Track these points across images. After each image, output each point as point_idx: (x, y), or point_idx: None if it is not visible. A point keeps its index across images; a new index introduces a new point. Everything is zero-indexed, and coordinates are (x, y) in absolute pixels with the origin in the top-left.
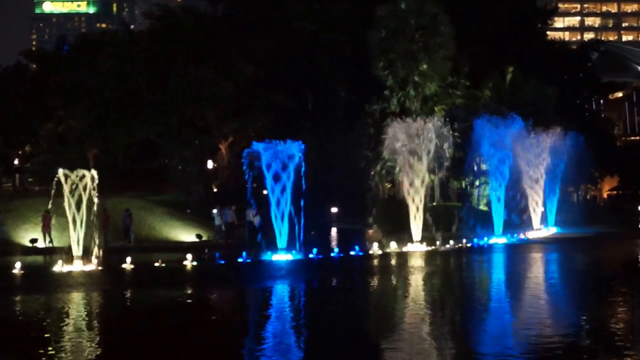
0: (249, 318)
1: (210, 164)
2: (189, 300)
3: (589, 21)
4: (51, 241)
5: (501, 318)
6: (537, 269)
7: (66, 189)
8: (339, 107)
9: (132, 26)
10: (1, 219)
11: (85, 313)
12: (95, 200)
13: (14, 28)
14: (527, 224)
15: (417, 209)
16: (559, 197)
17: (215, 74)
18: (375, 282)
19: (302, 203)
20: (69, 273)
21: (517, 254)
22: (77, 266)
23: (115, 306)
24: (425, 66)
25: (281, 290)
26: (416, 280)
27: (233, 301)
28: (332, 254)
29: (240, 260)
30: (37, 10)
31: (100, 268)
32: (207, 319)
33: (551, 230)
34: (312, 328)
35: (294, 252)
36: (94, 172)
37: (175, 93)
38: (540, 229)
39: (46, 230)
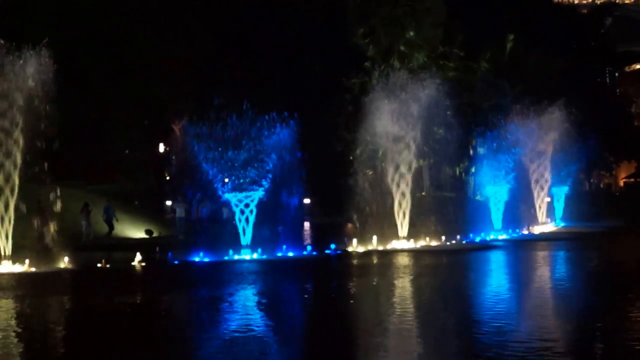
0: (202, 336)
1: (162, 148)
2: (129, 310)
3: None
4: None
5: (507, 334)
6: (543, 272)
7: None
8: (312, 81)
9: None
10: None
11: None
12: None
13: None
14: (530, 218)
15: (404, 199)
16: (568, 186)
17: (168, 41)
18: (355, 287)
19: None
20: None
21: (519, 252)
22: (5, 267)
23: (38, 319)
24: (412, 34)
25: (243, 298)
26: (403, 286)
27: (184, 312)
28: (305, 253)
29: (196, 260)
30: None
31: (33, 270)
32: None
33: (558, 225)
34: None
35: (259, 250)
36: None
37: (119, 61)
38: (546, 223)
39: None
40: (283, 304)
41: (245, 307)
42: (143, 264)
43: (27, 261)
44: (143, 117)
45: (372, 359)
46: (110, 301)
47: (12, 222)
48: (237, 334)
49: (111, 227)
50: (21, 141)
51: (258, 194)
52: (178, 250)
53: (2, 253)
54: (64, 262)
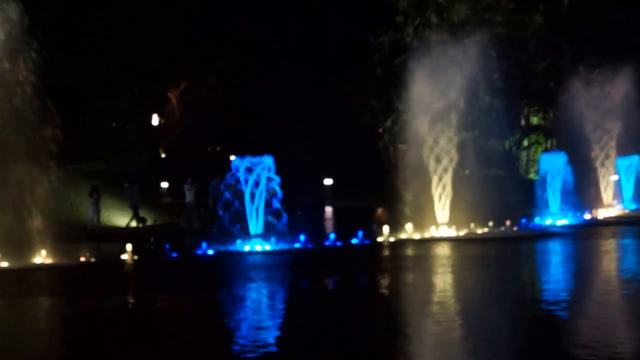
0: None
1: (155, 120)
2: (115, 316)
3: None
4: None
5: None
6: (613, 266)
7: None
8: (333, 39)
9: None
10: None
11: None
12: None
13: None
14: (594, 200)
15: (444, 178)
16: (638, 164)
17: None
18: (387, 285)
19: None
20: None
21: (581, 241)
22: None
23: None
24: None
25: (255, 299)
26: (444, 285)
27: (183, 317)
28: (327, 243)
29: (199, 252)
30: None
31: (5, 265)
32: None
33: (628, 207)
34: None
35: (273, 240)
36: None
37: (104, 19)
38: (613, 206)
39: None
40: (299, 312)
41: (252, 312)
42: (135, 257)
43: None
44: (133, 83)
45: None
46: (89, 303)
47: None
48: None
49: (137, 215)
50: None
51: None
52: (177, 240)
53: None
54: (41, 256)
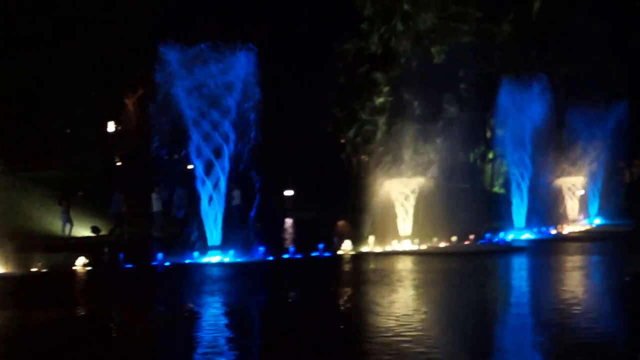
0: None
1: (111, 127)
2: (55, 331)
3: None
4: None
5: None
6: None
7: None
8: (296, 46)
9: None
10: None
11: None
12: None
13: None
14: (560, 214)
15: (407, 191)
16: (605, 177)
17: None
18: (347, 298)
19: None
20: None
21: (545, 256)
22: None
23: None
24: None
25: (212, 315)
26: (405, 300)
27: (135, 332)
28: (286, 255)
29: (155, 264)
30: None
31: None
32: None
33: (593, 222)
34: None
35: (232, 252)
36: None
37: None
38: (579, 221)
39: None
40: (254, 326)
41: (209, 327)
42: (88, 267)
43: None
44: (89, 88)
45: None
46: (35, 317)
47: None
48: None
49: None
50: None
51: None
52: (132, 250)
53: None
54: None
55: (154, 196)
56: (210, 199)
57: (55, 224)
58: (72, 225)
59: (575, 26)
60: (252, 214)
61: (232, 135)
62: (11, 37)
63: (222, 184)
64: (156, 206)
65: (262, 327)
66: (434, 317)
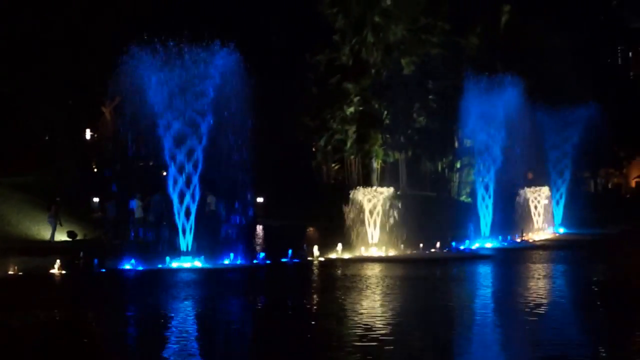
0: None
1: (88, 134)
2: (35, 333)
3: None
4: None
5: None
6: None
7: None
8: (269, 56)
9: None
10: None
11: None
12: None
13: None
14: (525, 223)
15: (375, 199)
16: (569, 186)
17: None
18: (314, 303)
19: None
20: None
21: (508, 264)
22: None
23: None
24: (388, 2)
25: (180, 319)
26: (371, 304)
27: (105, 337)
28: (256, 261)
29: (127, 267)
30: None
31: None
32: None
33: (557, 231)
34: None
35: (202, 257)
36: None
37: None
38: (543, 229)
39: None
40: (225, 329)
41: (181, 330)
42: (64, 271)
43: None
44: (66, 96)
45: None
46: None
47: None
48: None
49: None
50: None
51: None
52: (106, 256)
53: None
54: None
55: (135, 203)
56: (182, 204)
57: (32, 229)
58: (55, 229)
59: (539, 39)
60: (224, 220)
61: (205, 142)
62: None
63: (196, 190)
64: (137, 213)
65: (231, 332)
66: (398, 320)
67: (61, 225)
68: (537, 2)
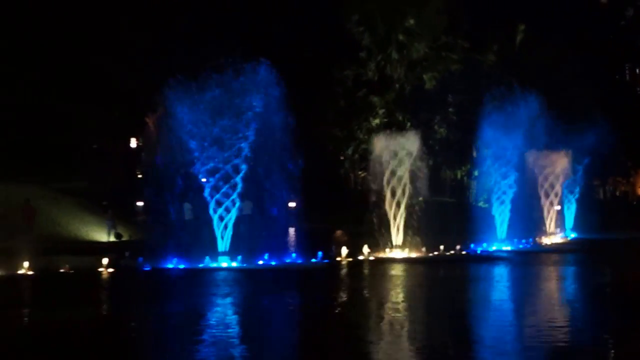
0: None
1: (133, 143)
2: (81, 328)
3: None
4: None
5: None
6: (553, 287)
7: None
8: (300, 72)
9: None
10: None
11: None
12: None
13: None
14: (538, 228)
15: (399, 204)
16: (580, 194)
17: (137, 24)
18: (343, 301)
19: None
20: None
21: (522, 265)
22: None
23: None
24: (412, 21)
25: (219, 314)
26: (395, 300)
27: (145, 332)
28: (288, 261)
29: (170, 266)
30: None
31: None
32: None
33: (568, 236)
34: None
35: (239, 258)
36: None
37: (86, 48)
38: (555, 234)
39: None
40: (263, 322)
41: (221, 323)
42: (111, 269)
43: None
44: (113, 108)
45: None
46: (64, 314)
47: None
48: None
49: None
50: None
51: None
52: (151, 255)
53: None
54: (23, 267)
55: (186, 205)
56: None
57: (81, 230)
58: (114, 230)
59: (552, 56)
60: (259, 223)
61: (246, 152)
62: (43, 62)
63: (234, 195)
64: (187, 215)
65: (266, 327)
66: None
67: (115, 228)
68: (549, 22)
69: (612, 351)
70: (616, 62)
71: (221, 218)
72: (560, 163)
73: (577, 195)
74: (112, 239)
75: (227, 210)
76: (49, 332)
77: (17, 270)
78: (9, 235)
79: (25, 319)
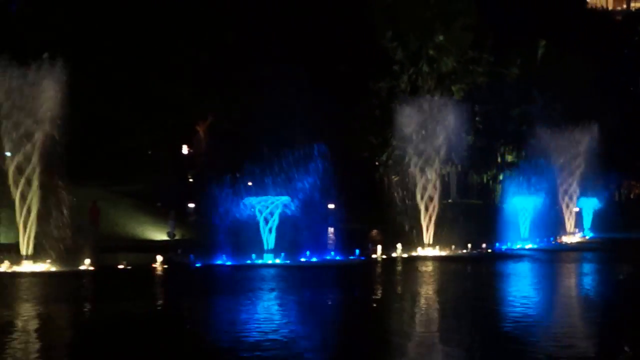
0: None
1: (185, 150)
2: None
3: None
4: None
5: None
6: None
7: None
8: (337, 83)
9: None
10: None
11: None
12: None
13: None
14: (558, 227)
15: (430, 206)
16: (597, 197)
17: (189, 41)
18: (379, 295)
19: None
20: (13, 276)
21: (547, 262)
22: (26, 267)
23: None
24: (441, 37)
25: (264, 303)
26: (427, 296)
27: (201, 320)
28: (328, 258)
29: (219, 263)
30: None
31: (53, 269)
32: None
33: (586, 235)
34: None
35: (282, 255)
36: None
37: (142, 62)
38: (574, 233)
39: None
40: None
41: (267, 311)
42: (164, 265)
43: (48, 261)
44: (167, 117)
45: None
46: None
47: (32, 222)
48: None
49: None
50: (39, 144)
51: (282, 199)
52: (201, 253)
53: (24, 252)
54: (85, 263)
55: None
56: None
57: (137, 229)
58: (173, 229)
59: (571, 68)
60: (301, 223)
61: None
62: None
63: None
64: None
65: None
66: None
67: (174, 231)
68: (568, 38)
69: None
70: (630, 74)
71: (266, 220)
72: (578, 168)
73: (594, 198)
74: (157, 238)
75: (271, 213)
76: (111, 322)
77: (80, 266)
78: (73, 234)
79: (88, 310)
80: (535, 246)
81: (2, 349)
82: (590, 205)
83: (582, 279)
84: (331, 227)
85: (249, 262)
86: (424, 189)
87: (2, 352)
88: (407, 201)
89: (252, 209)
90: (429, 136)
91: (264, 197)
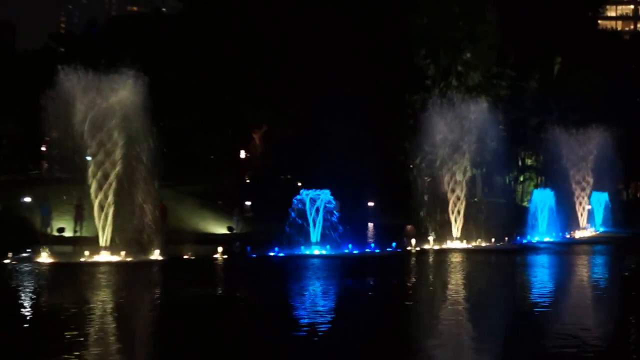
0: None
1: (242, 154)
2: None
3: None
4: (77, 230)
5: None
6: (585, 271)
7: (92, 176)
8: (376, 96)
9: (163, 9)
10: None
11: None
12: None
13: (43, 11)
14: (572, 223)
15: (458, 203)
16: (608, 195)
17: (248, 60)
18: (412, 282)
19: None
20: (93, 265)
21: (561, 253)
22: (104, 257)
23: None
24: (469, 55)
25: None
26: (456, 282)
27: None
28: (368, 250)
29: (272, 254)
30: None
31: (128, 259)
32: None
33: (598, 230)
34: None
35: (327, 247)
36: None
37: (208, 82)
38: (587, 228)
39: (78, 219)
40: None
41: (313, 297)
42: (224, 256)
43: (123, 252)
44: (226, 126)
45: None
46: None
47: (109, 217)
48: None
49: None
50: (120, 144)
51: (325, 195)
52: (256, 245)
53: (102, 244)
54: (154, 254)
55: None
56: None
57: (199, 224)
58: (237, 224)
59: (584, 82)
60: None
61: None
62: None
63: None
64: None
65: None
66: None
67: (236, 227)
68: (582, 55)
69: None
70: (637, 87)
71: (314, 216)
72: (590, 170)
73: (604, 196)
74: (217, 231)
75: (317, 210)
76: (183, 302)
77: (150, 256)
78: (143, 229)
79: (160, 294)
80: (552, 240)
81: (95, 324)
82: (601, 203)
83: (597, 268)
84: (371, 222)
85: (298, 253)
86: (453, 189)
87: (97, 328)
88: (438, 199)
89: (302, 205)
90: (457, 142)
91: (310, 190)
